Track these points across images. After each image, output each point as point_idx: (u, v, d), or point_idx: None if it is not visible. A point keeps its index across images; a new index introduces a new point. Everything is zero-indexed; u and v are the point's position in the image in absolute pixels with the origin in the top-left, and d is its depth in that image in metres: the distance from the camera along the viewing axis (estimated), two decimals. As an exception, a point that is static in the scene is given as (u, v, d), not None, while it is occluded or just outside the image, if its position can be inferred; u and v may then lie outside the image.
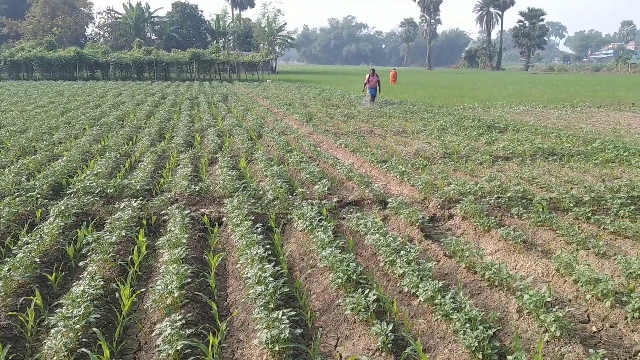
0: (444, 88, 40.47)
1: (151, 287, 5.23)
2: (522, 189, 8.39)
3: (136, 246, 6.27)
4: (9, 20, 69.47)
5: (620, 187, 8.70)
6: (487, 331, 4.16)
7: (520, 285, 4.95)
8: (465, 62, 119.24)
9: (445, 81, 53.29)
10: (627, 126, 17.85)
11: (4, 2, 76.49)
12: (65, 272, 5.86)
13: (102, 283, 5.06)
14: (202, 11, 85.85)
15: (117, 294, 5.01)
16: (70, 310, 4.35)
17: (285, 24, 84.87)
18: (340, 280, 5.08)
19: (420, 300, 4.84)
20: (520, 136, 14.43)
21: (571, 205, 7.82)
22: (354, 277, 5.10)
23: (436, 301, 4.63)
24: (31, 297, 4.84)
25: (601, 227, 6.98)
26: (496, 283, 5.22)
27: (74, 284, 5.16)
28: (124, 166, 10.87)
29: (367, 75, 24.14)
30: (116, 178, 9.34)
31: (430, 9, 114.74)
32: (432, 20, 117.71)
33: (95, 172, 9.59)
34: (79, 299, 4.51)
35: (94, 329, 4.17)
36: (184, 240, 6.16)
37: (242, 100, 25.86)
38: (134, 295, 5.05)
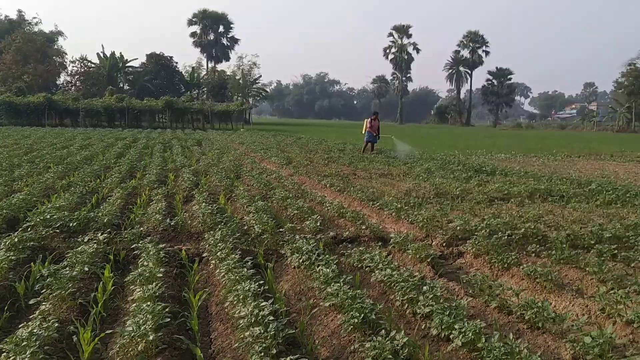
0: (420, 139, 40.35)
1: (118, 329, 4.19)
2: (533, 227, 7.65)
3: (101, 283, 5.25)
4: (-22, 67, 67.92)
5: (637, 224, 8.02)
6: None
7: (573, 326, 4.09)
8: (436, 118, 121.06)
9: (419, 134, 53.43)
10: (614, 173, 17.49)
11: (-27, 48, 75.16)
12: (13, 313, 4.79)
13: (56, 325, 4.03)
14: (176, 63, 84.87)
15: (74, 338, 3.98)
16: (12, 357, 3.31)
17: (260, 76, 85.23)
18: (355, 321, 4.12)
19: (455, 345, 3.92)
20: (511, 179, 13.84)
21: (592, 242, 7.07)
22: (372, 317, 4.16)
23: (479, 345, 3.73)
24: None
25: (631, 265, 6.23)
26: (539, 325, 4.35)
27: (21, 326, 4.10)
28: (90, 201, 9.80)
29: (367, 120, 21.97)
30: (81, 211, 8.28)
31: (402, 67, 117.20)
32: (404, 78, 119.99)
33: (58, 205, 8.52)
34: (25, 343, 3.48)
35: (40, 382, 3.14)
36: (160, 275, 5.17)
37: (217, 145, 25.00)
38: (96, 340, 4.01)
